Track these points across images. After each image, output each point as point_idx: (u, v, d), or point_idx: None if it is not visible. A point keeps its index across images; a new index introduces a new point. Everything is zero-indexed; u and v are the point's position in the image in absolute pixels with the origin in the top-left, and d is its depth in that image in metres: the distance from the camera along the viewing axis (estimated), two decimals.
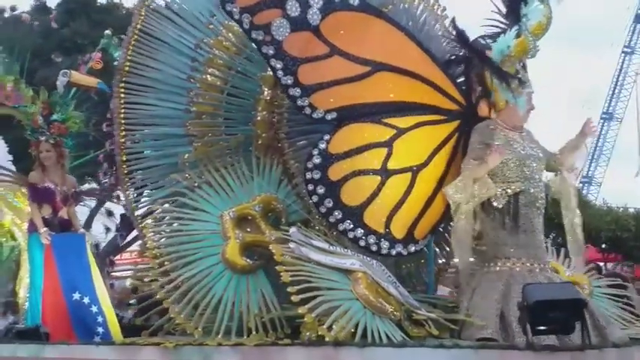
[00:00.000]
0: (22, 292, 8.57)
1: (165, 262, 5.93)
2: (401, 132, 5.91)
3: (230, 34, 6.39)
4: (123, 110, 6.51)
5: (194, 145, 6.42)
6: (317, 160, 5.72)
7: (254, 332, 5.63)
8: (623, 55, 48.67)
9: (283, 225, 6.01)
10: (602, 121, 47.47)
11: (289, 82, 5.67)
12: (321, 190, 5.71)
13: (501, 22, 5.99)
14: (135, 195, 6.67)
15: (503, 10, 5.95)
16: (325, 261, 5.50)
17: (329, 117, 5.77)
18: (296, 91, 5.70)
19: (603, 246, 22.54)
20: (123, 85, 6.53)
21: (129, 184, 6.61)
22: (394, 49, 5.99)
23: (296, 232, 5.69)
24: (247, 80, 6.46)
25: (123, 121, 6.51)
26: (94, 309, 8.06)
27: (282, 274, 5.38)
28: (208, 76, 6.40)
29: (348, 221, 5.73)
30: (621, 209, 29.05)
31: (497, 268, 5.75)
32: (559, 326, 4.35)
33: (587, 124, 6.15)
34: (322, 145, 5.74)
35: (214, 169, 6.24)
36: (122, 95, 6.53)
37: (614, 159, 48.63)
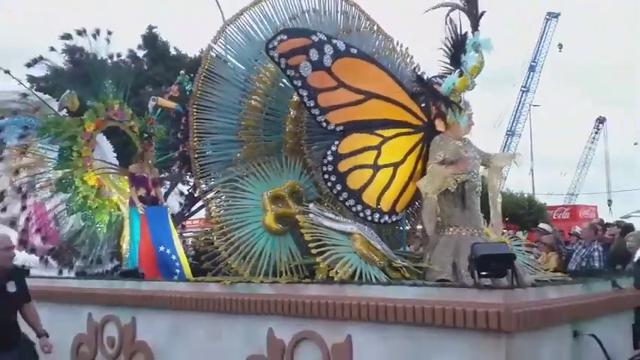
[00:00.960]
0: (125, 246, 8.51)
1: (224, 227, 5.81)
2: (386, 140, 5.80)
3: (267, 73, 6.25)
4: (195, 124, 6.37)
5: (243, 148, 6.29)
6: (330, 158, 5.59)
7: (285, 275, 5.53)
8: (521, 92, 48.72)
9: (304, 202, 5.91)
10: (506, 136, 47.42)
11: (312, 104, 5.56)
12: (333, 178, 5.59)
13: (448, 66, 5.87)
14: (203, 182, 6.51)
15: (450, 57, 5.82)
16: (333, 226, 5.40)
17: (338, 129, 5.65)
18: (316, 111, 5.59)
19: (507, 219, 22.60)
20: (195, 106, 6.38)
21: (199, 174, 6.47)
22: (381, 84, 5.89)
23: (313, 207, 5.59)
24: (279, 104, 6.33)
25: (195, 131, 6.37)
26: (174, 257, 8.05)
27: (304, 235, 5.28)
28: (252, 101, 6.27)
29: (352, 200, 5.62)
30: (519, 194, 29.33)
31: (450, 233, 5.63)
32: (496, 272, 4.24)
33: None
34: (334, 148, 5.61)
35: (257, 164, 6.12)
36: (195, 113, 6.38)
37: None
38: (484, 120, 50.81)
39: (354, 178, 5.66)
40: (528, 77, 48.53)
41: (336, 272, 4.94)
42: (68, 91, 8.58)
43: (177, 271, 8.01)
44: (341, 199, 5.63)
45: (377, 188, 5.75)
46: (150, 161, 8.64)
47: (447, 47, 5.78)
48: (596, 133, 50.84)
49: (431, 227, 5.62)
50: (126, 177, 8.81)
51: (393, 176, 5.82)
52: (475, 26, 5.67)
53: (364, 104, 5.78)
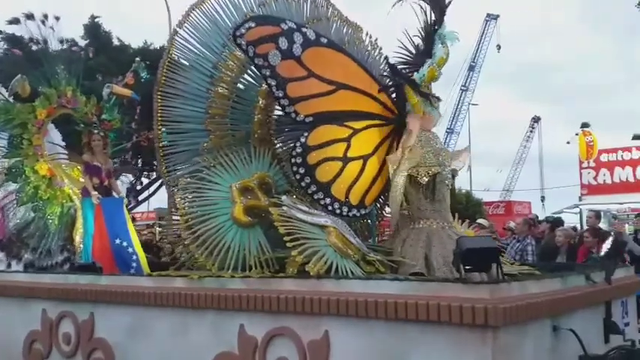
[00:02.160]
0: (77, 238, 8.05)
1: (189, 219, 5.52)
2: (356, 132, 5.61)
3: (235, 60, 5.99)
4: (160, 111, 6.04)
5: (210, 138, 6.00)
6: (299, 149, 5.37)
7: (254, 269, 5.28)
8: (460, 91, 49.32)
9: (274, 194, 5.67)
10: (446, 134, 47.94)
11: (280, 94, 5.30)
12: (302, 170, 5.38)
13: (409, 57, 5.78)
14: (168, 172, 6.19)
15: (419, 49, 5.72)
16: (307, 219, 5.16)
17: (307, 120, 5.42)
18: (285, 102, 5.34)
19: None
20: (160, 93, 6.06)
21: (163, 164, 6.14)
22: (351, 74, 5.71)
23: (286, 199, 5.34)
24: (247, 92, 6.07)
25: (160, 119, 6.05)
26: (130, 250, 7.69)
27: (278, 228, 5.04)
28: (219, 88, 5.98)
29: (321, 193, 5.41)
30: (457, 190, 29.78)
31: (420, 226, 5.52)
32: (482, 266, 4.11)
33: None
34: (303, 140, 5.39)
35: (224, 154, 5.84)
36: (159, 100, 6.06)
37: None
38: None
39: (323, 171, 5.46)
40: (468, 77, 49.17)
41: (313, 266, 4.71)
42: (19, 76, 8.05)
43: (135, 264, 7.64)
44: (309, 191, 5.42)
45: (346, 181, 5.56)
46: (105, 151, 8.21)
47: (419, 39, 5.65)
48: (531, 131, 52.10)
49: (396, 215, 5.48)
50: (79, 167, 8.36)
51: (363, 169, 5.65)
52: (441, 19, 5.56)
53: (334, 95, 5.58)
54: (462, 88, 49.08)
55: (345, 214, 5.55)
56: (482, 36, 49.22)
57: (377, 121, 5.75)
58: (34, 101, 8.05)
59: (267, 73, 5.26)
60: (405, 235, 5.54)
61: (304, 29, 5.51)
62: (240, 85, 6.08)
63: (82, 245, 7.83)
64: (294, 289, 4.66)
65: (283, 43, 5.29)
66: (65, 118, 8.75)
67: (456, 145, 47.06)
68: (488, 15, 49.55)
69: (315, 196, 5.42)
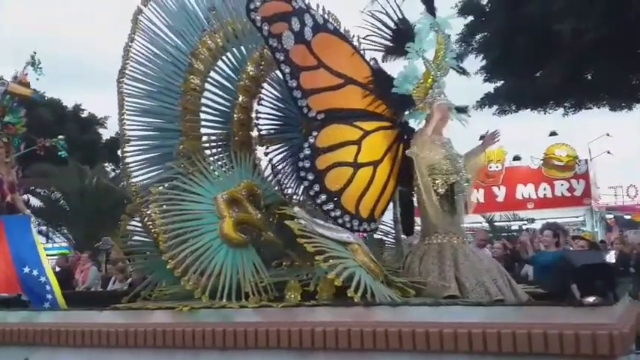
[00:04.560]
0: None
1: (169, 238, 4.38)
2: (367, 133, 4.75)
3: (204, 49, 4.99)
4: (126, 105, 4.85)
5: (181, 139, 4.90)
6: (307, 151, 4.43)
7: (251, 296, 4.25)
8: None
9: (261, 207, 4.73)
10: None
11: (294, 84, 4.38)
12: (310, 176, 4.43)
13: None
14: (132, 180, 4.98)
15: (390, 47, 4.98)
16: (328, 234, 4.24)
17: (319, 117, 4.52)
18: (298, 93, 4.41)
19: None
20: (123, 83, 4.87)
21: (129, 169, 4.94)
22: (357, 68, 4.88)
23: (301, 211, 4.37)
24: (223, 88, 5.05)
25: (127, 114, 4.86)
26: (43, 279, 6.28)
27: (304, 245, 4.05)
28: (190, 81, 4.93)
29: (331, 203, 4.47)
30: None
31: (439, 241, 4.73)
32: (601, 287, 3.39)
33: (492, 134, 5.27)
34: (312, 140, 4.47)
35: (202, 159, 4.79)
36: (123, 91, 4.87)
37: None
38: None
39: (333, 177, 4.54)
40: None
41: (354, 291, 3.79)
42: None
43: (49, 296, 6.22)
44: (319, 201, 4.47)
45: (356, 190, 4.67)
46: (7, 159, 6.73)
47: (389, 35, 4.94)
48: None
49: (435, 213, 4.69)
50: None
51: (373, 177, 4.79)
52: (431, 9, 4.92)
53: (343, 90, 4.72)
54: None
55: (355, 228, 4.64)
56: None
57: (386, 123, 4.94)
58: None
59: (281, 58, 4.33)
60: (421, 252, 4.75)
61: (312, 11, 4.64)
62: (213, 79, 5.05)
63: None
64: (332, 319, 3.71)
65: (295, 24, 4.40)
66: None
67: None
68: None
69: (325, 207, 4.47)
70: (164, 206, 4.53)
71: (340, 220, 4.54)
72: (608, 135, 24.48)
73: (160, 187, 4.64)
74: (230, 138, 5.03)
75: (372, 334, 3.51)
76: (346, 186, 4.60)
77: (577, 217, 24.01)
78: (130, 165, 4.91)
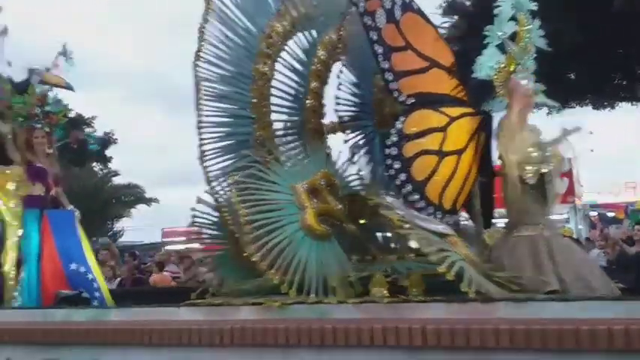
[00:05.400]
0: (8, 266, 6.14)
1: (255, 229, 4.11)
2: (452, 120, 4.47)
3: (274, 33, 4.72)
4: (203, 90, 4.58)
5: (254, 127, 4.64)
6: (395, 138, 4.18)
7: (338, 292, 3.98)
8: None
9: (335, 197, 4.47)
10: None
11: (386, 66, 4.13)
12: (397, 165, 4.17)
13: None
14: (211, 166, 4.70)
15: None
16: (425, 225, 3.98)
17: (409, 101, 4.26)
18: (390, 75, 4.16)
19: None
20: (198, 64, 4.59)
21: (206, 157, 4.66)
22: (439, 51, 4.61)
23: (395, 201, 4.11)
24: (296, 72, 4.79)
25: (204, 99, 4.57)
26: (90, 276, 6.03)
27: (410, 238, 3.81)
28: (261, 66, 4.65)
29: (416, 194, 4.22)
30: None
31: (528, 233, 4.44)
32: None
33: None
34: (399, 125, 4.22)
35: (276, 147, 4.53)
36: (198, 75, 4.59)
37: None
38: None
39: (419, 166, 4.28)
40: None
41: (466, 285, 3.52)
42: None
43: (97, 293, 5.95)
44: (404, 191, 4.21)
45: (440, 180, 4.39)
46: (50, 151, 6.45)
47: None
48: None
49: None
50: (7, 171, 6.44)
51: (457, 167, 4.51)
52: None
53: (428, 73, 4.45)
54: None
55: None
56: None
57: (469, 110, 4.67)
58: None
59: (375, 37, 4.07)
60: (510, 245, 4.48)
61: None
62: (284, 63, 4.78)
63: (14, 273, 6.04)
64: (446, 316, 3.44)
65: (387, 1, 4.15)
66: None
67: None
68: None
69: (410, 198, 4.21)
70: (244, 196, 4.24)
71: (424, 212, 4.28)
72: (591, 133, 24.42)
73: (236, 176, 4.35)
74: (301, 126, 4.76)
75: (495, 331, 3.24)
76: (431, 176, 4.35)
77: (561, 214, 23.91)
78: (207, 152, 4.61)
